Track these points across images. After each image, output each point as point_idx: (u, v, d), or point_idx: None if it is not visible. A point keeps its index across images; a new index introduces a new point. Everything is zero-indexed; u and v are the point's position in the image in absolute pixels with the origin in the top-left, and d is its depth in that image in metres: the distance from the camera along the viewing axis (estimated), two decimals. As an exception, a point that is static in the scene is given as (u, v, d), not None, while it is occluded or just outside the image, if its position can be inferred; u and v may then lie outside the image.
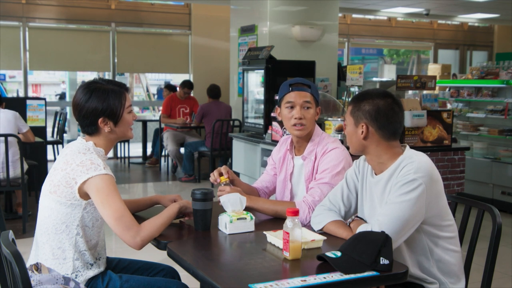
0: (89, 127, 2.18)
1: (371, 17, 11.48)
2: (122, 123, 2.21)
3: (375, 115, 2.09)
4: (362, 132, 2.11)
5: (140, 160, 9.44)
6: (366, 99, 2.13)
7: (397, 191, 2.00)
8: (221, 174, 2.59)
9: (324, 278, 1.70)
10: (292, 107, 2.59)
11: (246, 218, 2.22)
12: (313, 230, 2.20)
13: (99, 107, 2.15)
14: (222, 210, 2.30)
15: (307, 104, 2.59)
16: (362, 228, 2.03)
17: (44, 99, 6.83)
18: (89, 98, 2.16)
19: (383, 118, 2.09)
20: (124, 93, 2.22)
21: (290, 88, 2.60)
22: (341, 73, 7.10)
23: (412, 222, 2.00)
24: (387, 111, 2.10)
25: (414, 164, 2.02)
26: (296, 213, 1.91)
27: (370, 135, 2.11)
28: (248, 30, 7.26)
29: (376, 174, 2.17)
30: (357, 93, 2.22)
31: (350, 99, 2.26)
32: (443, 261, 2.11)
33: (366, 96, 2.15)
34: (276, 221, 2.41)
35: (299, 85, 2.61)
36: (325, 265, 1.78)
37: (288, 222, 1.90)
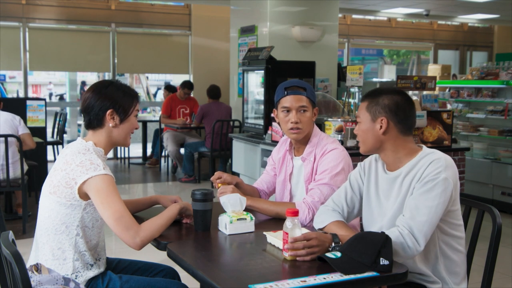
0: (96, 117, 2.19)
1: (371, 17, 11.48)
2: (127, 122, 2.23)
3: (395, 109, 2.11)
4: (381, 127, 2.11)
5: (140, 160, 9.44)
6: (383, 94, 2.14)
7: (430, 192, 1.98)
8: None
9: (324, 278, 1.70)
10: (288, 111, 2.59)
11: (246, 219, 2.22)
12: (314, 230, 2.20)
13: (113, 98, 2.19)
14: (222, 210, 2.30)
15: (303, 108, 2.58)
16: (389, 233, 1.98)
17: (44, 99, 6.84)
18: (107, 87, 2.21)
19: (402, 112, 2.12)
20: (137, 97, 2.29)
21: (286, 92, 2.60)
22: (341, 73, 7.10)
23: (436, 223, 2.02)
24: (405, 105, 2.13)
25: (441, 161, 2.02)
26: (295, 213, 1.91)
27: (389, 129, 2.11)
28: (248, 30, 7.26)
29: (390, 171, 2.17)
30: (369, 90, 2.18)
31: (362, 96, 2.25)
32: (450, 260, 2.12)
33: (382, 92, 2.16)
34: (276, 221, 2.41)
35: (295, 88, 2.60)
36: (325, 265, 1.78)
37: (288, 223, 1.90)
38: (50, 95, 15.58)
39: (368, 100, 2.16)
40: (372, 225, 2.21)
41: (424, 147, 2.16)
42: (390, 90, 2.18)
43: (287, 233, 1.88)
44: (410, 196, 2.03)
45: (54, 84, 17.37)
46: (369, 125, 2.14)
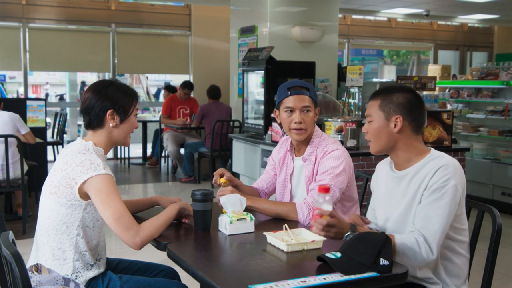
0: (96, 117, 2.18)
1: (371, 18, 11.49)
2: (128, 122, 2.24)
3: (409, 107, 2.09)
4: (395, 125, 2.09)
5: (140, 160, 9.44)
6: (395, 92, 2.12)
7: (440, 200, 1.98)
8: (221, 176, 2.59)
9: (324, 279, 1.69)
10: (291, 111, 2.59)
11: (246, 219, 2.22)
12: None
13: (113, 98, 2.18)
14: (221, 211, 2.30)
15: (306, 108, 2.58)
16: (399, 239, 2.00)
17: (45, 99, 6.83)
18: (107, 87, 2.21)
19: (416, 111, 2.11)
20: (136, 97, 2.29)
21: (289, 92, 2.59)
22: (341, 74, 7.10)
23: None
24: (418, 103, 2.12)
25: (449, 167, 2.00)
26: (327, 190, 2.01)
27: (403, 128, 2.10)
28: (248, 31, 7.26)
29: (398, 170, 2.16)
30: (378, 89, 2.15)
31: (372, 94, 2.20)
32: (452, 263, 2.11)
33: (393, 90, 2.14)
34: (276, 221, 2.41)
35: (298, 88, 2.60)
36: (325, 266, 1.78)
37: (320, 199, 1.99)
38: (47, 95, 15.55)
39: (381, 98, 2.13)
40: (381, 223, 2.22)
41: (433, 149, 2.15)
42: (401, 88, 2.16)
43: (318, 208, 1.98)
44: (419, 205, 2.02)
45: (51, 85, 17.35)
46: (383, 123, 2.11)
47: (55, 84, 17.33)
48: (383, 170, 2.25)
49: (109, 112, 2.18)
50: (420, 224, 1.99)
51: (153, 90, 15.74)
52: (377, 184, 2.28)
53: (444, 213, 1.97)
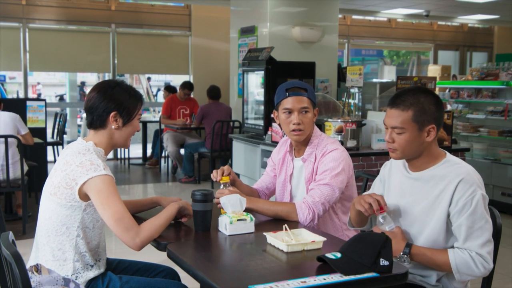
0: (99, 118, 2.17)
1: (371, 18, 11.49)
2: (130, 125, 2.23)
3: (439, 114, 2.07)
4: (428, 134, 2.05)
5: (140, 161, 9.44)
6: (422, 98, 2.05)
7: (474, 213, 1.97)
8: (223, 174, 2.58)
9: (324, 279, 1.69)
10: (289, 113, 2.59)
11: (246, 219, 2.22)
12: (316, 230, 2.20)
13: (118, 100, 2.18)
14: (221, 211, 2.30)
15: (304, 109, 2.58)
16: (450, 252, 2.02)
17: (44, 100, 6.84)
18: (113, 88, 2.20)
19: (442, 115, 2.09)
20: (141, 100, 2.28)
21: (287, 93, 2.59)
22: (341, 74, 7.10)
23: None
24: (442, 107, 2.10)
25: (470, 179, 2.00)
26: (382, 209, 2.06)
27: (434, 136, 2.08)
28: (248, 31, 7.26)
29: (412, 171, 2.15)
30: (401, 95, 2.09)
31: (391, 104, 2.10)
32: None
33: (418, 94, 2.06)
34: (276, 222, 2.41)
35: (296, 89, 2.59)
36: (325, 266, 1.78)
37: (380, 219, 2.07)
38: (39, 95, 15.51)
39: (413, 109, 2.04)
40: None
41: (448, 153, 2.13)
42: (426, 91, 2.10)
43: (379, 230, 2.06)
44: (456, 224, 2.00)
45: (51, 85, 17.32)
46: (416, 134, 2.05)
47: (56, 85, 17.32)
48: (398, 166, 2.23)
49: (112, 114, 2.17)
50: (467, 243, 1.99)
51: (153, 91, 15.73)
52: (390, 177, 2.26)
53: (483, 223, 1.98)
